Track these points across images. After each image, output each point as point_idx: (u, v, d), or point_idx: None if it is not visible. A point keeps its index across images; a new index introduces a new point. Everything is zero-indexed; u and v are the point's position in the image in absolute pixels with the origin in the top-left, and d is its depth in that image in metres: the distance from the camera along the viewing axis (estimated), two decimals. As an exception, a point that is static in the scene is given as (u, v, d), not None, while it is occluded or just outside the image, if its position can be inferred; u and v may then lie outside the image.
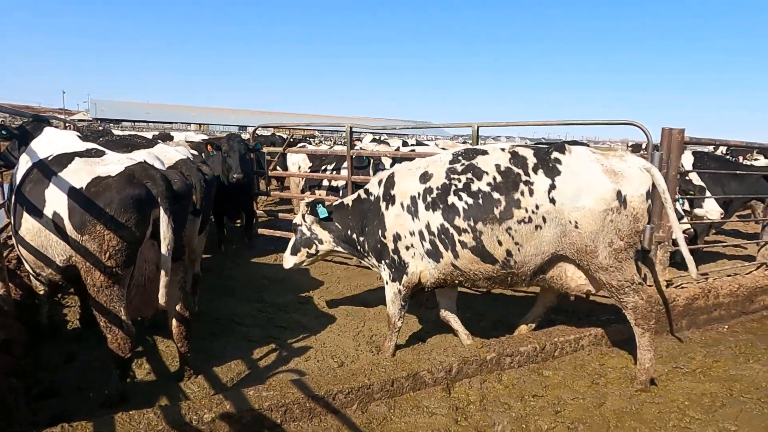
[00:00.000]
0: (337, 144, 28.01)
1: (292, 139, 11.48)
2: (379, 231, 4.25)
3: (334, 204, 4.75)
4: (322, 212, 4.62)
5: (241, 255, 7.87)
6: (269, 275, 6.80)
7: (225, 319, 5.26)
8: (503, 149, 3.93)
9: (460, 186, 3.84)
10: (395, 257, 4.18)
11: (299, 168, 10.49)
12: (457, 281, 4.14)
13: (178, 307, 3.82)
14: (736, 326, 5.61)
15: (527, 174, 3.70)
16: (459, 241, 3.84)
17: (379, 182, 4.39)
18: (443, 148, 11.85)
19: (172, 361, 4.32)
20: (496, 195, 3.71)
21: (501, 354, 4.19)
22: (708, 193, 7.14)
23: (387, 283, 4.36)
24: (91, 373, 4.01)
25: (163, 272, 3.27)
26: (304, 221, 4.73)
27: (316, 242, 4.72)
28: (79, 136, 4.07)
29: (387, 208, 4.19)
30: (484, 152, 3.96)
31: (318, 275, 6.90)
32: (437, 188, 3.93)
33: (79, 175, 3.27)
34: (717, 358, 4.71)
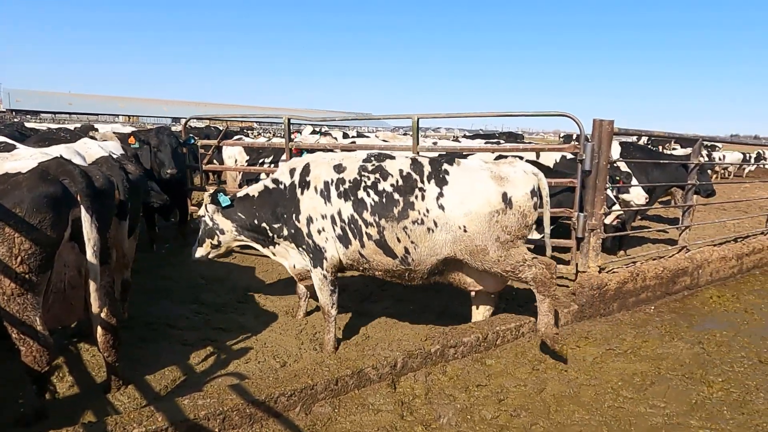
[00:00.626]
0: (276, 136, 27.37)
1: (227, 131, 11.03)
2: (294, 216, 4.38)
3: (237, 194, 4.79)
4: (224, 201, 4.68)
5: (175, 254, 7.47)
6: (206, 274, 6.49)
7: (158, 323, 4.95)
8: (407, 157, 4.29)
9: (369, 183, 4.14)
10: (310, 241, 4.33)
11: (236, 161, 10.09)
12: (362, 268, 4.38)
13: (103, 315, 3.52)
14: (661, 307, 5.97)
15: (422, 181, 4.06)
16: (365, 233, 4.12)
17: (292, 171, 4.51)
18: (384, 140, 11.81)
19: (99, 371, 4.01)
20: (396, 196, 4.05)
21: (445, 345, 4.20)
22: (634, 180, 7.52)
23: (311, 271, 4.45)
24: (3, 389, 3.65)
25: (92, 277, 3.00)
26: (207, 211, 4.82)
27: (218, 233, 4.81)
28: None
29: (302, 193, 4.36)
30: (392, 157, 4.30)
31: (258, 273, 6.67)
32: (349, 181, 4.20)
33: None
34: (645, 338, 4.98)
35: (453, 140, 16.80)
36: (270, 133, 35.32)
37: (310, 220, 4.29)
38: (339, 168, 4.29)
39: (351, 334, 4.87)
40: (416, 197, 4.00)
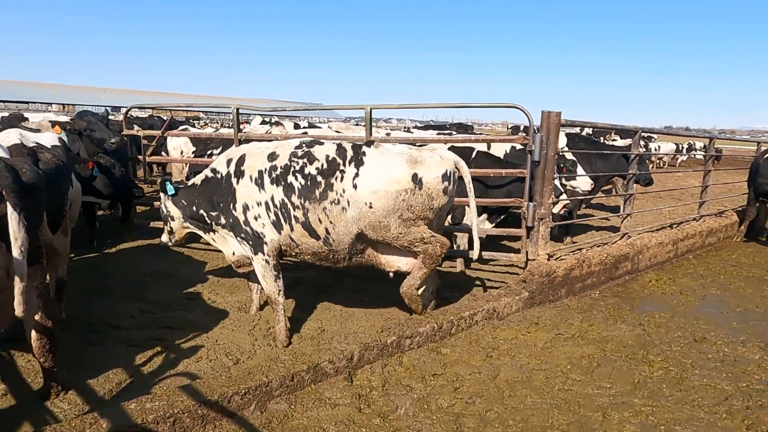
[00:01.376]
0: (225, 127, 26.59)
1: (172, 122, 10.58)
2: (231, 205, 4.52)
3: (184, 183, 5.02)
4: (170, 189, 4.88)
5: (119, 250, 7.12)
6: (152, 271, 6.22)
7: (100, 323, 4.70)
8: (335, 142, 4.43)
9: (297, 168, 4.29)
10: (248, 229, 4.46)
11: (181, 153, 9.71)
12: (294, 253, 4.50)
13: (37, 317, 3.29)
14: (605, 291, 6.24)
15: (343, 164, 4.20)
16: (294, 216, 4.28)
17: (229, 161, 4.62)
18: (336, 131, 11.69)
19: (35, 377, 3.76)
20: (319, 178, 4.20)
21: (401, 336, 4.22)
22: (579, 167, 7.80)
23: (252, 259, 4.54)
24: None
25: (17, 278, 2.78)
26: (161, 199, 5.06)
27: (170, 219, 5.03)
28: None
29: (237, 182, 4.50)
30: (322, 143, 4.44)
31: (209, 268, 6.46)
32: (281, 167, 4.34)
33: None
34: (592, 322, 5.19)
35: (405, 131, 16.85)
36: (218, 123, 34.25)
37: (246, 208, 4.42)
38: (272, 156, 4.44)
39: (306, 328, 4.80)
40: (336, 179, 4.17)
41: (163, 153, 10.02)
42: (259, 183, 4.38)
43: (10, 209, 2.72)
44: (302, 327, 4.82)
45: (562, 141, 9.10)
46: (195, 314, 5.05)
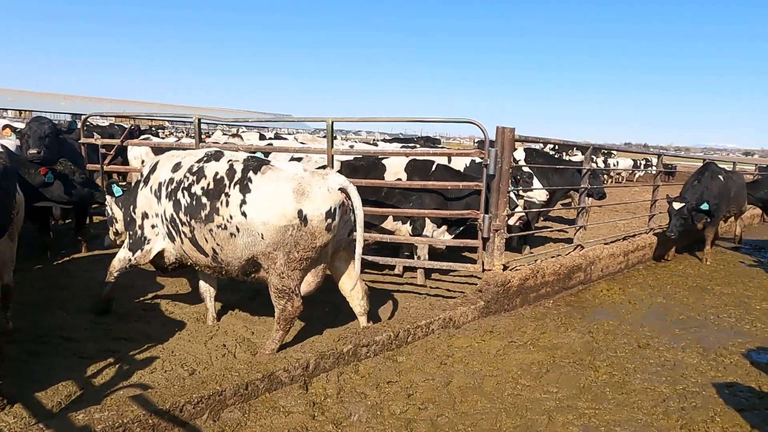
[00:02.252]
0: (189, 137, 26.20)
1: (133, 130, 10.42)
2: (131, 206, 4.84)
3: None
4: (117, 191, 5.15)
5: (72, 261, 6.95)
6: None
7: (51, 335, 4.59)
8: (229, 160, 4.34)
9: (186, 185, 4.34)
10: (139, 231, 4.78)
11: (142, 162, 9.57)
12: (189, 263, 4.70)
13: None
14: (558, 300, 6.47)
15: (229, 187, 4.15)
16: (182, 231, 4.40)
17: (149, 167, 4.84)
18: (302, 143, 11.74)
19: (-21, 390, 3.66)
20: (204, 200, 4.22)
21: (357, 345, 4.29)
22: (535, 180, 8.09)
23: (123, 248, 4.93)
24: None
25: None
26: (107, 200, 5.34)
27: (115, 221, 5.30)
28: None
29: (141, 188, 4.73)
30: (219, 158, 4.39)
31: (167, 280, 6.37)
32: (176, 182, 4.42)
33: None
34: (544, 330, 5.38)
35: (372, 143, 17.03)
36: (183, 132, 33.72)
37: (145, 216, 4.69)
38: (176, 167, 4.51)
39: (264, 338, 4.81)
40: (221, 203, 4.13)
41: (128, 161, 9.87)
42: (158, 195, 4.53)
43: None
44: (260, 337, 4.84)
45: (521, 155, 9.42)
46: (151, 325, 5.00)
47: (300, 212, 3.97)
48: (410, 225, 6.54)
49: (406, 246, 7.06)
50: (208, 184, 4.22)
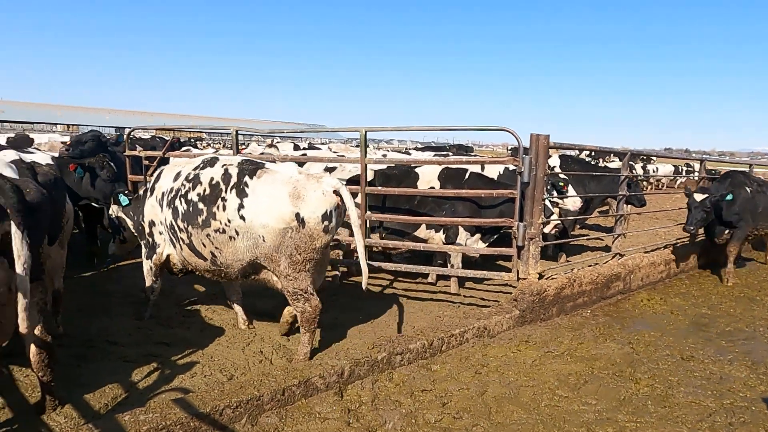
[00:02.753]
0: (226, 147, 26.93)
1: (174, 142, 10.77)
2: (140, 216, 5.10)
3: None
4: (124, 200, 5.39)
5: (117, 268, 7.23)
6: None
7: (97, 340, 4.79)
8: (224, 165, 4.44)
9: (183, 192, 4.48)
10: (150, 239, 5.01)
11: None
12: (191, 268, 4.83)
13: (37, 332, 3.40)
14: (596, 310, 6.32)
15: (225, 192, 4.25)
16: (180, 238, 4.57)
17: (154, 176, 5.09)
18: (335, 152, 11.89)
19: (33, 392, 3.85)
20: (201, 205, 4.34)
21: (392, 353, 4.30)
22: (570, 188, 7.95)
23: (144, 257, 5.15)
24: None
25: (20, 295, 2.90)
26: (113, 210, 5.55)
27: (122, 229, 5.59)
28: None
29: (147, 198, 4.97)
30: (213, 164, 4.51)
31: (204, 286, 6.56)
32: (175, 190, 4.58)
33: None
34: (581, 340, 5.27)
35: (404, 152, 17.09)
36: (220, 144, 34.66)
37: (152, 224, 4.92)
38: (177, 177, 4.68)
39: (298, 343, 4.87)
40: (218, 207, 4.24)
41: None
42: (162, 204, 4.73)
43: (14, 227, 2.86)
44: (295, 342, 4.91)
45: (556, 162, 9.28)
46: (191, 331, 5.15)
47: (297, 215, 4.06)
48: (443, 233, 6.53)
49: (439, 254, 7.04)
50: (204, 190, 4.33)
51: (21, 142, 11.38)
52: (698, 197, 7.36)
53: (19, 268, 2.87)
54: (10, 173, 3.30)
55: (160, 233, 4.88)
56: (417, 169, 6.85)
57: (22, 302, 2.87)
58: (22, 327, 2.88)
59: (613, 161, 20.73)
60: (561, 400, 4.00)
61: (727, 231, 7.81)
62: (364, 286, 4.43)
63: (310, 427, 3.46)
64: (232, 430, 3.31)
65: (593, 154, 21.78)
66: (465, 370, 4.41)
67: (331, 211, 4.17)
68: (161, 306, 5.75)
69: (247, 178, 4.22)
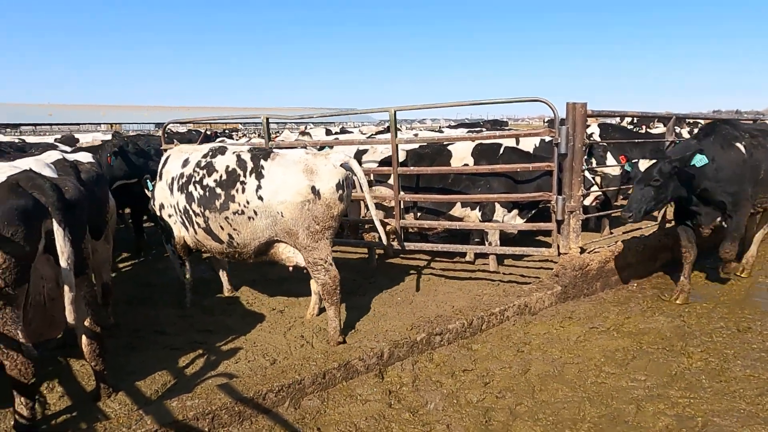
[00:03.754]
0: (261, 137, 27.29)
1: (209, 134, 10.98)
2: (152, 201, 5.35)
3: None
4: (148, 185, 5.69)
5: (161, 260, 7.47)
6: (194, 277, 6.49)
7: (144, 329, 4.97)
8: (235, 152, 4.67)
9: (197, 178, 4.68)
10: (162, 223, 5.23)
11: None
12: (203, 249, 5.06)
13: (87, 323, 3.54)
14: (643, 283, 6.08)
15: (243, 176, 4.48)
16: (195, 222, 4.76)
17: (161, 161, 5.30)
18: (364, 134, 11.82)
19: (88, 380, 4.03)
20: (218, 190, 4.54)
21: (431, 333, 4.27)
22: (609, 154, 7.63)
23: (165, 244, 5.42)
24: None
25: (66, 288, 3.01)
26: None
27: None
28: None
29: (157, 182, 5.20)
30: (224, 152, 4.73)
31: (244, 273, 6.69)
32: (186, 176, 4.79)
33: None
34: (628, 314, 5.08)
35: (438, 131, 16.85)
36: (254, 133, 35.15)
37: (162, 207, 5.15)
38: (185, 163, 4.88)
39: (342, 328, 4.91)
40: (237, 190, 4.46)
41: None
42: (171, 188, 4.93)
43: (56, 225, 2.96)
44: (335, 327, 4.95)
45: (595, 131, 8.92)
46: (232, 318, 5.26)
47: (313, 188, 4.29)
48: (479, 211, 6.40)
49: (476, 232, 6.92)
50: (221, 176, 4.54)
51: (66, 143, 11.84)
52: (643, 165, 5.04)
53: (63, 263, 2.97)
54: (49, 173, 3.40)
55: (170, 216, 5.10)
56: (449, 147, 6.71)
57: (68, 296, 2.97)
58: (70, 319, 2.99)
59: (656, 128, 19.81)
60: (608, 377, 3.88)
61: (716, 217, 5.34)
62: (385, 242, 4.96)
63: (351, 410, 3.48)
64: (275, 414, 3.37)
65: (635, 120, 20.87)
66: (506, 349, 4.34)
67: (342, 181, 4.42)
68: (203, 294, 5.91)
69: (262, 162, 4.46)
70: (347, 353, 3.87)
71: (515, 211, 6.42)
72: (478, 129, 17.07)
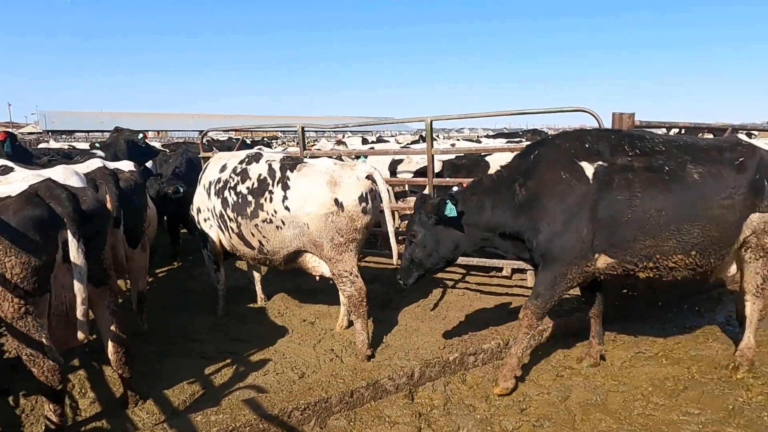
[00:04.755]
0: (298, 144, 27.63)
1: (248, 142, 11.14)
2: (191, 205, 5.46)
3: None
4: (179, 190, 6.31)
5: (197, 266, 7.55)
6: (228, 285, 6.52)
7: (177, 336, 4.98)
8: (267, 161, 4.76)
9: (232, 184, 4.79)
10: (199, 228, 5.34)
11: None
12: (238, 254, 5.12)
13: (113, 328, 3.55)
14: (694, 305, 5.68)
15: (272, 185, 4.54)
16: (230, 227, 4.85)
17: (204, 167, 5.44)
18: (399, 143, 11.73)
19: (119, 387, 4.03)
20: (250, 198, 4.63)
21: (464, 353, 4.09)
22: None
23: (202, 250, 5.47)
24: (27, 406, 3.73)
25: (78, 301, 2.98)
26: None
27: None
28: None
29: (197, 186, 5.36)
30: (258, 160, 4.82)
31: (279, 282, 6.66)
32: (223, 181, 4.92)
33: None
34: (678, 339, 4.74)
35: (475, 140, 16.58)
36: (293, 141, 35.67)
37: (199, 211, 5.29)
38: (222, 168, 5.02)
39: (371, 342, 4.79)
40: (265, 199, 4.54)
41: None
42: (209, 192, 5.07)
43: (70, 236, 2.95)
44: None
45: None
46: (264, 327, 5.22)
47: (336, 200, 4.29)
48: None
49: (513, 246, 6.67)
50: (253, 184, 4.64)
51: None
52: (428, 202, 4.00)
53: (75, 275, 2.95)
54: (76, 181, 3.42)
55: (206, 220, 5.21)
56: (487, 158, 6.52)
57: (80, 309, 2.96)
58: (80, 335, 2.98)
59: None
60: (656, 409, 3.59)
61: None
62: (395, 261, 4.54)
63: (379, 432, 3.34)
64: (300, 433, 3.26)
65: (683, 131, 19.99)
66: (545, 373, 4.10)
67: (366, 194, 4.38)
68: (236, 302, 5.90)
69: (289, 172, 4.52)
70: (376, 371, 3.73)
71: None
72: (518, 140, 16.70)
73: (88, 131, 51.55)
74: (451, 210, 3.73)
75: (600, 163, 3.67)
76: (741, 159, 3.69)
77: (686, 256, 3.68)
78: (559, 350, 4.49)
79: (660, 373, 4.08)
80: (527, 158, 3.92)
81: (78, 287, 2.95)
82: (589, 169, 3.66)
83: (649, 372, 4.12)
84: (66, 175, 3.35)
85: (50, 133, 44.49)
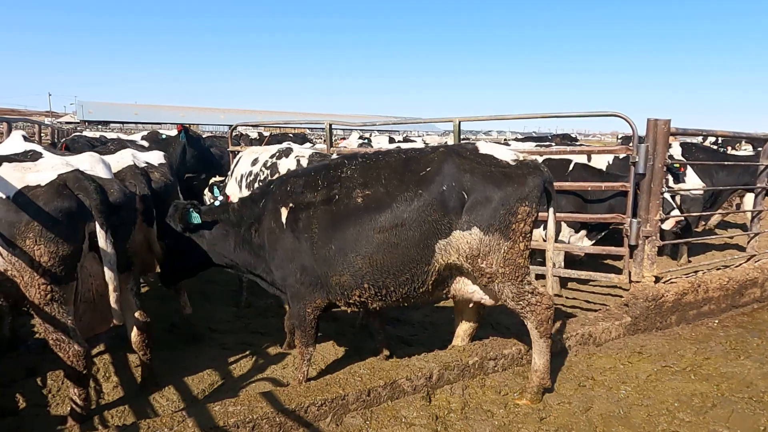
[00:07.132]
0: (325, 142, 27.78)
1: (280, 139, 11.25)
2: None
3: None
4: (216, 192, 5.99)
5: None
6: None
7: (201, 325, 5.06)
8: (296, 156, 4.99)
9: (262, 177, 5.00)
10: None
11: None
12: None
13: (137, 314, 3.62)
14: (726, 320, 5.49)
15: None
16: None
17: (235, 160, 5.75)
18: (426, 143, 11.65)
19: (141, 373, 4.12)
20: None
21: (484, 358, 4.02)
22: (691, 173, 6.99)
23: None
24: (53, 387, 3.84)
25: (111, 289, 3.10)
26: (208, 198, 6.54)
27: None
28: (24, 137, 3.85)
29: (228, 180, 5.60)
30: (288, 155, 5.05)
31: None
32: (254, 174, 5.17)
33: (7, 183, 3.04)
34: (707, 355, 4.58)
35: (503, 143, 16.37)
36: (321, 138, 35.90)
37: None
38: (254, 162, 5.25)
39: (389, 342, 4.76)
40: None
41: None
42: (240, 184, 5.26)
43: (98, 226, 3.02)
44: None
45: (677, 151, 8.27)
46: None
47: None
48: (543, 229, 6.05)
49: (538, 252, 6.55)
50: None
51: (150, 139, 12.61)
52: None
53: (106, 265, 3.04)
54: (102, 169, 3.48)
55: None
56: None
57: (113, 296, 3.05)
58: (116, 319, 3.05)
59: (743, 149, 18.24)
60: (682, 425, 3.46)
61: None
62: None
63: (395, 432, 3.31)
64: (316, 428, 3.26)
65: (719, 141, 19.35)
66: (566, 382, 4.01)
67: None
68: (259, 295, 5.95)
69: None
70: (394, 371, 3.70)
71: (583, 232, 6.03)
72: (547, 144, 16.43)
73: (123, 122, 52.94)
74: (195, 218, 3.85)
75: (291, 205, 3.51)
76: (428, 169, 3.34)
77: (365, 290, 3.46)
78: (582, 360, 4.38)
79: (687, 389, 3.94)
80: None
81: (109, 276, 3.02)
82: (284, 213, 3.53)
83: (676, 387, 3.98)
84: (92, 163, 3.42)
85: (86, 123, 45.84)
